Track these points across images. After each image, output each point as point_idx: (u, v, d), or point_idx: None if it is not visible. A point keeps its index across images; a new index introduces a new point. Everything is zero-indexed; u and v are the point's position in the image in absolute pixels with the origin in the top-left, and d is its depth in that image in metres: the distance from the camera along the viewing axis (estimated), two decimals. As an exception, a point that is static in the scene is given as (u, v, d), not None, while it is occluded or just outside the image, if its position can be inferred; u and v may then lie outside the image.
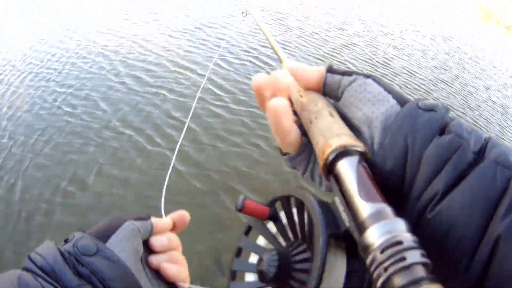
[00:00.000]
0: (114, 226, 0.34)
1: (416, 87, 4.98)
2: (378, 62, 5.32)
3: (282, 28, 5.21)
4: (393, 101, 0.26)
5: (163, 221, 0.39)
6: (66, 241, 0.32)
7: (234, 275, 0.32)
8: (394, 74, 5.06)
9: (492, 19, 16.70)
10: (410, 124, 0.24)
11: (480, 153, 0.22)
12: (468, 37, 9.21)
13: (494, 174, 0.21)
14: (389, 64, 5.37)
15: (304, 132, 0.30)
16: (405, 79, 5.05)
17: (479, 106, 5.17)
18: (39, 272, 0.28)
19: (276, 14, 5.59)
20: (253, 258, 0.32)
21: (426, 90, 4.98)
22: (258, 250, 0.31)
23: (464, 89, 5.58)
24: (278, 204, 0.31)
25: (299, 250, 0.27)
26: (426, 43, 7.19)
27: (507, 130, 4.88)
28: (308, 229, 0.26)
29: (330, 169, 0.24)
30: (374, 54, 5.59)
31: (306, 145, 0.30)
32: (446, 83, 5.55)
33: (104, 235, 0.33)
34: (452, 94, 5.24)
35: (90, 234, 0.33)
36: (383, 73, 4.90)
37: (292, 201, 0.28)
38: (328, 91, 0.30)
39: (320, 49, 5.03)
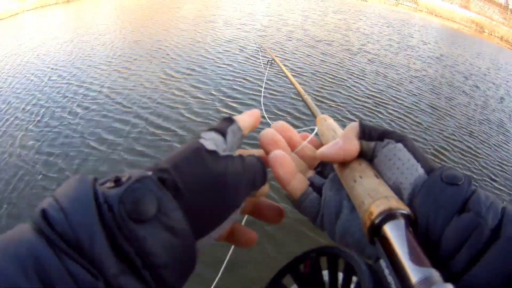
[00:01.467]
0: (193, 150, 0.24)
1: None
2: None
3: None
4: (421, 170, 0.26)
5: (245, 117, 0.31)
6: (117, 181, 0.20)
7: None
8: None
9: (485, 32, 17.46)
10: (433, 201, 0.24)
11: (497, 230, 0.23)
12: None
13: (510, 252, 0.21)
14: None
15: (312, 185, 0.31)
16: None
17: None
18: (61, 244, 0.17)
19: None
20: None
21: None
22: None
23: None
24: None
25: None
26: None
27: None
28: None
29: (376, 231, 0.24)
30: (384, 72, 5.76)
31: (308, 195, 0.31)
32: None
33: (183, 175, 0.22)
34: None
35: (160, 177, 0.21)
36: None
37: (341, 261, 0.26)
38: (363, 154, 0.30)
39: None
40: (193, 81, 4.61)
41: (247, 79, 4.74)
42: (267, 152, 0.31)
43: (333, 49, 7.79)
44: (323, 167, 0.34)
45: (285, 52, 6.69)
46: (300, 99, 0.49)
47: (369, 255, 0.27)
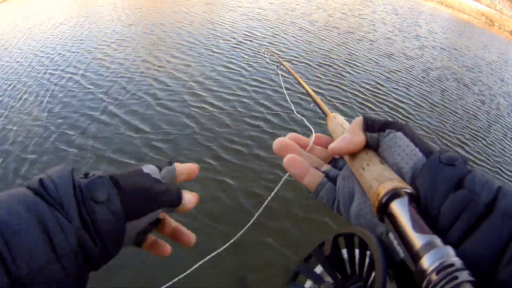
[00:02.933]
0: (137, 171, 0.34)
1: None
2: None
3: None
4: (420, 154, 0.29)
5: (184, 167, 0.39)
6: (86, 175, 0.31)
7: None
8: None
9: (495, 25, 17.05)
10: (430, 180, 0.27)
11: (491, 205, 0.24)
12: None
13: (501, 226, 0.23)
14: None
15: (327, 176, 0.36)
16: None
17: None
18: (51, 201, 0.27)
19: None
20: (308, 284, 0.36)
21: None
22: (316, 279, 0.34)
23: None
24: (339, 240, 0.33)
25: (357, 285, 0.30)
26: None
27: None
28: (367, 266, 0.28)
29: (383, 209, 0.27)
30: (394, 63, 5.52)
31: (324, 185, 0.35)
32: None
33: (125, 182, 0.32)
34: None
35: (111, 178, 0.31)
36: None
37: (356, 239, 0.30)
38: (369, 145, 0.33)
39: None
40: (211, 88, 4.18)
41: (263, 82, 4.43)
42: (282, 158, 0.37)
43: (338, 36, 7.54)
44: (336, 161, 0.38)
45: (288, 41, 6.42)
46: (310, 99, 0.51)
47: (380, 232, 0.30)
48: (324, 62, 5.60)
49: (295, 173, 0.36)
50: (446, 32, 11.59)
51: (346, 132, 0.34)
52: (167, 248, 0.38)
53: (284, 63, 0.79)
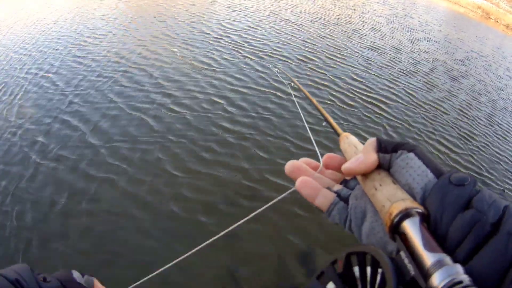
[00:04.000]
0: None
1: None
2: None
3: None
4: (431, 175, 0.30)
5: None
6: (44, 279, 0.45)
7: None
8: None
9: (491, 19, 16.78)
10: (440, 201, 0.28)
11: (497, 225, 0.25)
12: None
13: (506, 246, 0.23)
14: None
15: (339, 196, 0.37)
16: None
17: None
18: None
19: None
20: None
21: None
22: None
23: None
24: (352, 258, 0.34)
25: None
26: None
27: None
28: (379, 283, 0.29)
29: (395, 228, 0.28)
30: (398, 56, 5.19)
31: (335, 205, 0.36)
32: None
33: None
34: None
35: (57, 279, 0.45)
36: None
37: (368, 257, 0.31)
38: (381, 165, 0.34)
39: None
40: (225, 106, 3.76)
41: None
42: (294, 179, 0.38)
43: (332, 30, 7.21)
44: (347, 182, 0.39)
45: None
46: (323, 118, 0.51)
47: (391, 250, 0.30)
48: (308, 56, 5.27)
49: (307, 194, 0.37)
50: (441, 24, 11.26)
51: (359, 152, 0.36)
52: None
53: (296, 82, 0.79)
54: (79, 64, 4.26)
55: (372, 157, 0.33)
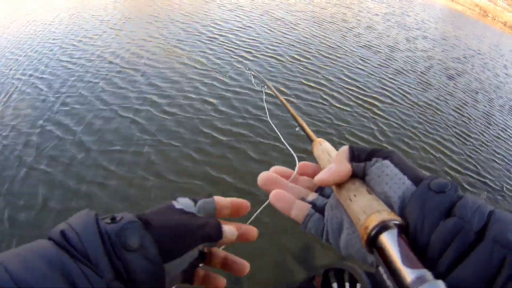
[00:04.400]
0: (169, 214, 0.33)
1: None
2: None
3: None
4: (408, 183, 0.28)
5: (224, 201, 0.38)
6: (112, 219, 0.29)
7: None
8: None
9: (489, 16, 16.76)
10: (420, 209, 0.26)
11: (482, 232, 0.23)
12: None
13: (491, 254, 0.22)
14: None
15: (314, 206, 0.36)
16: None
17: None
18: (76, 254, 0.25)
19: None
20: None
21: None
22: None
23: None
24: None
25: None
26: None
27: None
28: None
29: (372, 242, 0.26)
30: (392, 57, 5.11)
31: (311, 217, 0.35)
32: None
33: (156, 224, 0.30)
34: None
35: (141, 220, 0.30)
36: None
37: (346, 273, 0.31)
38: (355, 174, 0.33)
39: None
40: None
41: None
42: (268, 191, 0.37)
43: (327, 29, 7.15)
44: (322, 189, 0.38)
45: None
46: (296, 124, 0.49)
47: (370, 262, 0.29)
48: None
49: (281, 207, 0.36)
50: (439, 22, 11.21)
51: (332, 160, 0.35)
52: (221, 281, 0.37)
53: (269, 84, 0.78)
54: (73, 64, 4.18)
55: (345, 167, 0.32)
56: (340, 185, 0.32)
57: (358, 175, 0.32)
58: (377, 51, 6.29)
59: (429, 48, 7.71)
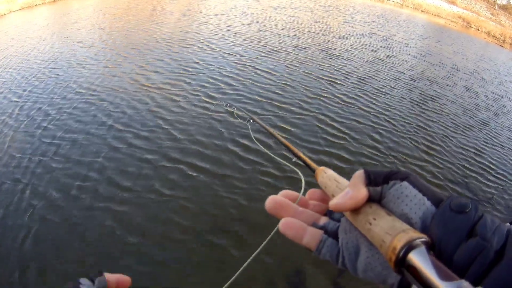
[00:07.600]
0: None
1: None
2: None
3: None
4: (428, 203, 0.28)
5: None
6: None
7: None
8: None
9: (472, 28, 17.08)
10: (443, 230, 0.26)
11: (501, 251, 0.24)
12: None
13: (510, 272, 0.23)
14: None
15: (326, 231, 0.35)
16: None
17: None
18: None
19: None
20: None
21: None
22: None
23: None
24: None
25: None
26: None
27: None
28: None
29: (401, 262, 0.26)
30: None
31: (324, 243, 0.34)
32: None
33: None
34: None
35: None
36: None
37: None
38: (371, 198, 0.32)
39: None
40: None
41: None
42: (279, 217, 0.37)
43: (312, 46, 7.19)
44: (332, 212, 0.38)
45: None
46: (293, 156, 0.48)
47: (391, 283, 0.29)
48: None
49: (292, 236, 0.35)
50: (424, 38, 11.34)
51: (344, 186, 0.34)
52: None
53: (256, 119, 0.76)
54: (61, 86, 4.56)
55: (362, 192, 0.31)
56: (355, 210, 0.32)
57: (375, 199, 0.31)
58: (357, 74, 6.25)
59: (415, 64, 7.72)
